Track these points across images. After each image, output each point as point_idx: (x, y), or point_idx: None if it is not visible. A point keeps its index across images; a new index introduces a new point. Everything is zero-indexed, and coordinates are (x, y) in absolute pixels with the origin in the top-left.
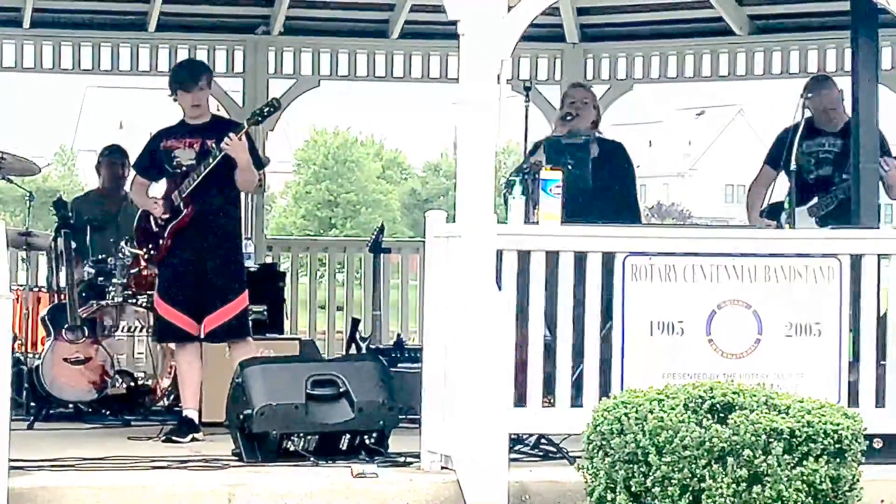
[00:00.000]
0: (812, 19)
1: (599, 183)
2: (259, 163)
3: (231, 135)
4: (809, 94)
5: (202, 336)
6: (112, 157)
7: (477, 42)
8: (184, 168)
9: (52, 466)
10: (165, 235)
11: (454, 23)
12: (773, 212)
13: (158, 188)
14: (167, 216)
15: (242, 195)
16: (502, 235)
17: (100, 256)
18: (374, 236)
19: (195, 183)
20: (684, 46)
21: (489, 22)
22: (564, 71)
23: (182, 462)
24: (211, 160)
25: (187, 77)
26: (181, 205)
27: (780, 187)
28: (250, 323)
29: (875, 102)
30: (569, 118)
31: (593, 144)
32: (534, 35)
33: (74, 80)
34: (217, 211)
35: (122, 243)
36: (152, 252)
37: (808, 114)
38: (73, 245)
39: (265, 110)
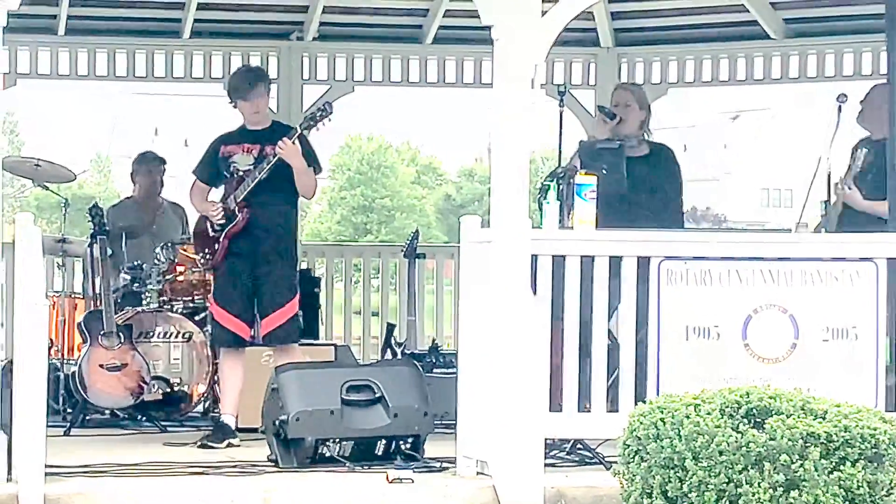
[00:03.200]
0: (847, 22)
1: (645, 183)
2: (317, 166)
3: (284, 139)
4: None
5: (259, 339)
6: (148, 164)
7: (511, 47)
8: (241, 173)
9: (89, 472)
10: (221, 240)
11: (488, 28)
12: None
13: (219, 194)
14: (223, 221)
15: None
16: (537, 240)
17: (135, 262)
18: (408, 241)
19: (250, 187)
20: (719, 50)
21: (523, 26)
22: (599, 75)
23: (218, 468)
24: (266, 165)
25: (245, 84)
26: (236, 209)
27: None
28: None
29: None
30: (605, 112)
31: (642, 145)
32: (568, 39)
33: (109, 87)
34: (272, 215)
35: (158, 250)
36: (209, 257)
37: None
38: (109, 251)
39: (318, 114)
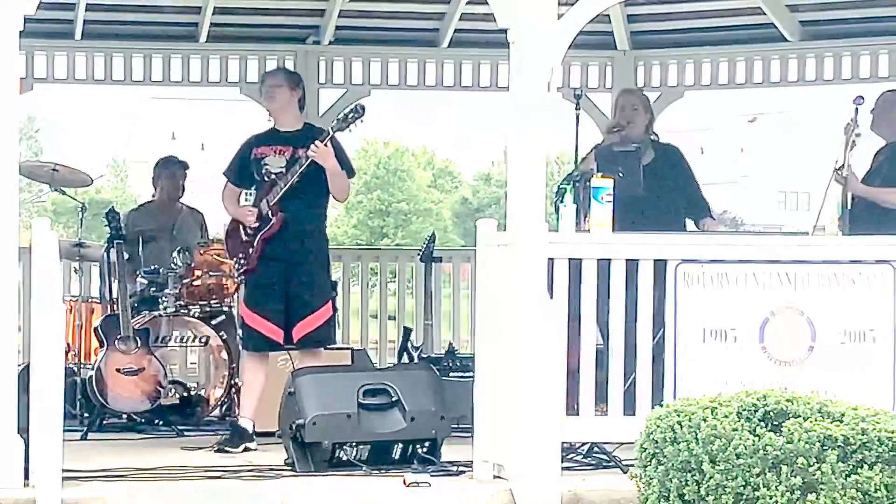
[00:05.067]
0: (864, 25)
1: (656, 188)
2: (350, 169)
3: (317, 141)
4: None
5: (293, 344)
6: (171, 168)
7: (527, 50)
8: (273, 175)
9: (106, 476)
10: (255, 244)
11: (504, 31)
12: None
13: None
14: (257, 225)
15: (330, 203)
16: (554, 244)
17: (152, 267)
18: (425, 245)
19: (283, 190)
20: (735, 53)
21: (539, 30)
22: (615, 78)
23: (235, 472)
24: (298, 168)
25: (272, 82)
26: (269, 213)
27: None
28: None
29: None
30: (615, 129)
31: (648, 149)
32: (584, 43)
33: (126, 91)
34: (305, 219)
35: (175, 254)
36: (243, 261)
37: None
38: (126, 256)
39: (350, 116)
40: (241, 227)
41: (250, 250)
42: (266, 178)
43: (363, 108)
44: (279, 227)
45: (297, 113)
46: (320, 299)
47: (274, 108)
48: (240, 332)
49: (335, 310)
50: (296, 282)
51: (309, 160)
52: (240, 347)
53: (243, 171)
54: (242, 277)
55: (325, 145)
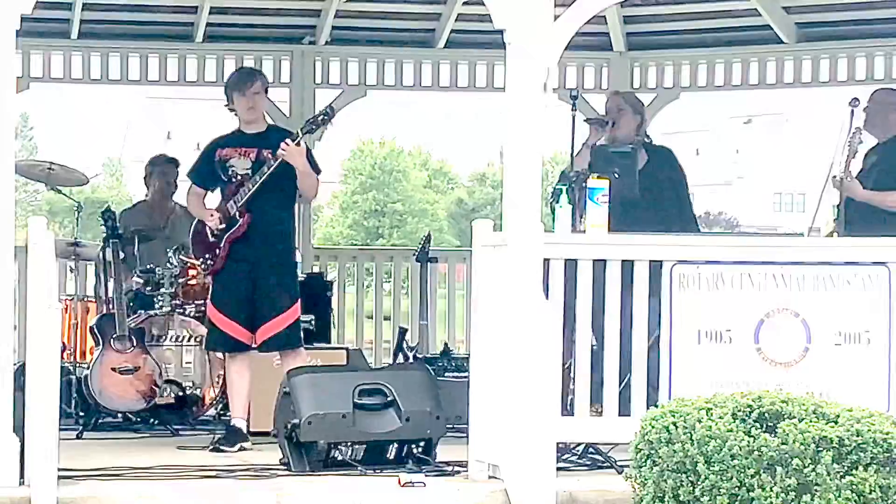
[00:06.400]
0: (860, 27)
1: (650, 190)
2: (317, 168)
3: (287, 140)
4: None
5: (255, 346)
6: (162, 166)
7: (523, 51)
8: (239, 177)
9: (101, 475)
10: (222, 245)
11: (501, 32)
12: None
13: (214, 198)
14: (223, 226)
15: (296, 206)
16: (549, 244)
17: (148, 266)
18: (420, 246)
19: (251, 192)
20: (731, 55)
21: (536, 31)
22: (611, 79)
23: (230, 471)
24: (266, 169)
25: (241, 80)
26: (237, 214)
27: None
28: (302, 333)
29: None
30: (593, 122)
31: (640, 151)
32: (580, 44)
33: (122, 90)
34: (272, 220)
35: (170, 253)
36: (209, 262)
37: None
38: (122, 255)
39: (319, 118)
40: (207, 228)
41: (217, 251)
42: (233, 180)
43: (333, 110)
44: (246, 228)
45: (262, 113)
46: (286, 302)
47: (254, 117)
48: (202, 331)
49: (331, 310)
50: (262, 284)
51: (279, 160)
52: (200, 347)
53: (208, 172)
54: (210, 277)
55: (297, 144)
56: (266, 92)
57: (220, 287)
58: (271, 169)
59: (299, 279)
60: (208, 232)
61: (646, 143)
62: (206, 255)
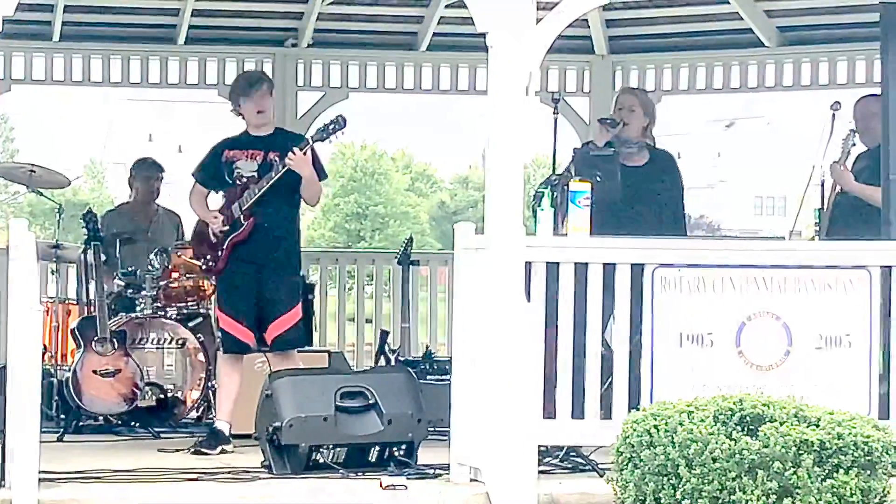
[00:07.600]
0: (841, 31)
1: (649, 190)
2: (323, 175)
3: (295, 150)
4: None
5: (267, 345)
6: (147, 170)
7: (506, 54)
8: (244, 179)
9: (82, 478)
10: (224, 247)
11: (483, 35)
12: None
13: (214, 198)
14: (226, 228)
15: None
16: (531, 247)
17: (129, 269)
18: (402, 248)
19: (256, 196)
20: (713, 58)
21: (518, 34)
22: (593, 83)
23: (211, 474)
24: (273, 174)
25: (248, 83)
26: (241, 217)
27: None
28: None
29: None
30: (606, 121)
31: (643, 151)
32: (562, 47)
33: (104, 92)
34: (277, 224)
35: (152, 256)
36: (210, 263)
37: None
38: (103, 257)
39: (331, 127)
40: (209, 228)
41: (219, 252)
42: (238, 182)
43: (345, 120)
44: (250, 231)
45: (270, 115)
46: (291, 302)
47: (264, 120)
48: (218, 334)
49: (312, 313)
50: (267, 285)
51: (285, 168)
52: (219, 350)
53: (214, 173)
54: (215, 280)
55: (304, 154)
56: (272, 94)
57: (226, 290)
58: (277, 176)
59: None
60: (210, 233)
61: (649, 145)
62: (207, 256)
